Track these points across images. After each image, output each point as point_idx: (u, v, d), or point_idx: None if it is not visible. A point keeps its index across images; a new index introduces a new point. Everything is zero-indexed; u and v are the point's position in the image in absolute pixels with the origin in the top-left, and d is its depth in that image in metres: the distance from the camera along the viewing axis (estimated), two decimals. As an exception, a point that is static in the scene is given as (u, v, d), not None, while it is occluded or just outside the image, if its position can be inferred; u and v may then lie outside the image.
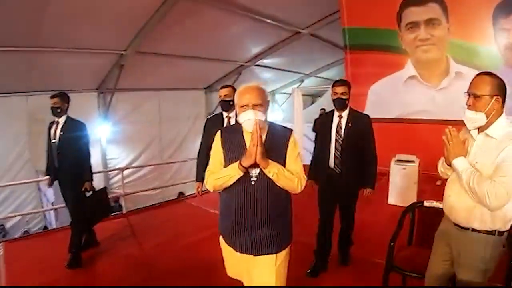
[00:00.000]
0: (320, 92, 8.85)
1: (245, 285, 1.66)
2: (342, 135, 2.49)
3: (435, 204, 2.02)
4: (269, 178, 1.47)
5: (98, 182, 4.94)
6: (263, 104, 1.50)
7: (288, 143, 1.55)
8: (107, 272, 2.99)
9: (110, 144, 7.68)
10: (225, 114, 2.71)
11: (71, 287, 2.70)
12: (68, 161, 3.00)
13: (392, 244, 1.96)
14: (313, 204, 2.65)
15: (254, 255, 1.55)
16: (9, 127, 6.04)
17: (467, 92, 1.47)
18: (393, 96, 5.77)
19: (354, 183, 2.52)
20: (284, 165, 1.52)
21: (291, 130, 1.62)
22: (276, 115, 10.82)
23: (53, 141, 3.03)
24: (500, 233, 1.45)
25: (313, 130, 6.99)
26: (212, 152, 1.61)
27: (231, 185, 1.52)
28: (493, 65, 4.52)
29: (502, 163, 1.36)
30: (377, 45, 5.78)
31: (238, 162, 1.46)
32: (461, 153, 1.45)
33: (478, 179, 1.37)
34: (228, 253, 1.65)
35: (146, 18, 5.17)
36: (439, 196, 1.70)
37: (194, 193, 3.55)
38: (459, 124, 1.55)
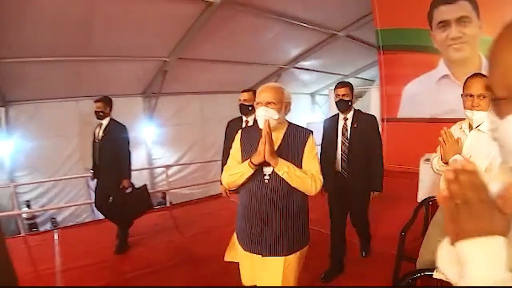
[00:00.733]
0: (361, 93, 8.61)
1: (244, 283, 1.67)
2: (348, 137, 2.45)
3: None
4: (282, 178, 1.46)
5: (144, 180, 5.22)
6: (276, 103, 1.50)
7: (305, 144, 1.55)
8: (150, 255, 3.26)
9: (155, 145, 7.63)
10: (244, 118, 2.75)
11: (71, 287, 2.83)
12: (107, 159, 3.21)
13: (403, 234, 2.05)
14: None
15: (262, 255, 1.53)
16: (62, 130, 6.41)
17: (469, 94, 1.54)
18: (426, 96, 5.62)
19: (362, 187, 2.48)
20: (300, 166, 1.50)
21: (310, 132, 1.60)
22: (317, 116, 10.28)
23: (96, 141, 3.28)
24: None
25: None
26: (231, 151, 1.65)
27: (246, 183, 1.53)
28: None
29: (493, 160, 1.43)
30: (409, 45, 5.67)
31: (249, 159, 1.47)
32: (457, 152, 1.55)
33: None
34: (240, 252, 1.64)
35: (187, 26, 5.38)
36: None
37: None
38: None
